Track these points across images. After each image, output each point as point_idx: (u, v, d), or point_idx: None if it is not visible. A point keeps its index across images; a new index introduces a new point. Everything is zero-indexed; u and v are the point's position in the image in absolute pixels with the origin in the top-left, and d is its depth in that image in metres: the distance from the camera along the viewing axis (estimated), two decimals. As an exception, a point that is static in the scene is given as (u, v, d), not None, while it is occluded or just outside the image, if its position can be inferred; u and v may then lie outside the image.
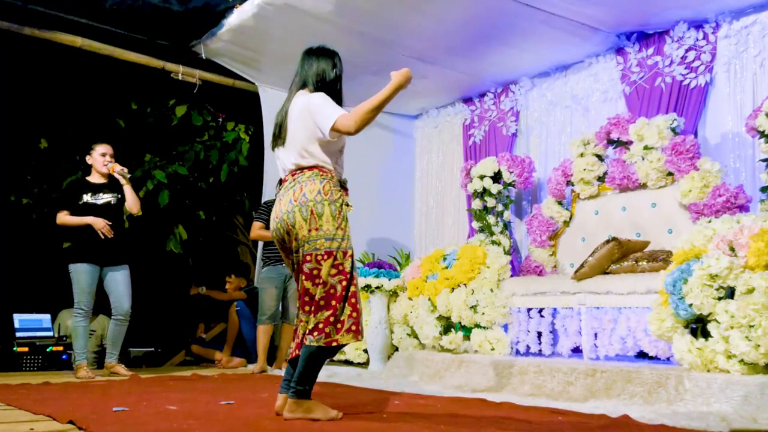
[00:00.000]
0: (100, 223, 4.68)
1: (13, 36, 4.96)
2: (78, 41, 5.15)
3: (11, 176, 5.96)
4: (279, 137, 2.81)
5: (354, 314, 2.62)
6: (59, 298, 5.91)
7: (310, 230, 2.63)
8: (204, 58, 5.48)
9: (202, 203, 6.95)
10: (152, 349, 5.97)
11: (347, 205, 2.73)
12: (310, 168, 2.71)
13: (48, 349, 5.37)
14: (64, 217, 4.75)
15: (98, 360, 5.43)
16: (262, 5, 4.61)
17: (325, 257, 2.61)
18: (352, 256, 2.68)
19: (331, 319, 2.59)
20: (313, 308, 2.62)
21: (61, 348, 5.43)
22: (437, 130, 6.58)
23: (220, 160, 6.79)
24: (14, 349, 5.25)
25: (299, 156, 2.72)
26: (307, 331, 2.60)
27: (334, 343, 2.59)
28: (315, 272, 2.62)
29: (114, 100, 6.28)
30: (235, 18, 4.91)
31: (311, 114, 2.70)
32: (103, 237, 4.67)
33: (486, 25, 4.73)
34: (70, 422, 2.54)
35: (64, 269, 4.77)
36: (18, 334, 5.38)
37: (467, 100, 6.19)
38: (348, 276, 2.64)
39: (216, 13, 4.97)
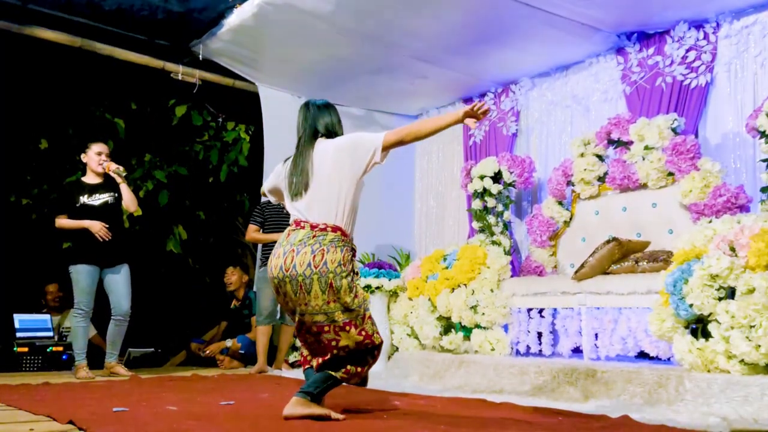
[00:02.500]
0: (96, 227, 4.67)
1: (13, 36, 4.96)
2: (78, 41, 5.15)
3: (11, 177, 5.97)
4: (304, 184, 2.72)
5: (373, 364, 2.74)
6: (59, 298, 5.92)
7: (328, 302, 2.60)
8: (204, 58, 5.48)
9: (202, 203, 6.95)
10: (152, 349, 5.96)
11: (356, 273, 2.74)
12: (333, 229, 2.66)
13: (48, 350, 5.37)
14: (62, 221, 4.76)
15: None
16: (262, 5, 4.61)
17: (347, 329, 2.63)
18: (371, 316, 2.71)
19: (354, 361, 2.69)
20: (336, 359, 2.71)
21: (61, 348, 5.43)
22: (437, 130, 6.56)
23: (220, 160, 6.79)
24: (14, 349, 5.25)
25: (327, 207, 2.68)
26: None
27: (347, 382, 2.71)
28: (334, 343, 2.63)
29: (114, 100, 6.28)
30: (235, 18, 4.90)
31: (352, 148, 2.75)
32: (101, 240, 4.67)
33: (486, 25, 4.72)
34: (70, 422, 2.54)
35: (63, 269, 4.77)
36: (18, 335, 5.38)
37: (467, 100, 6.18)
38: (370, 335, 2.67)
39: (216, 13, 4.96)
